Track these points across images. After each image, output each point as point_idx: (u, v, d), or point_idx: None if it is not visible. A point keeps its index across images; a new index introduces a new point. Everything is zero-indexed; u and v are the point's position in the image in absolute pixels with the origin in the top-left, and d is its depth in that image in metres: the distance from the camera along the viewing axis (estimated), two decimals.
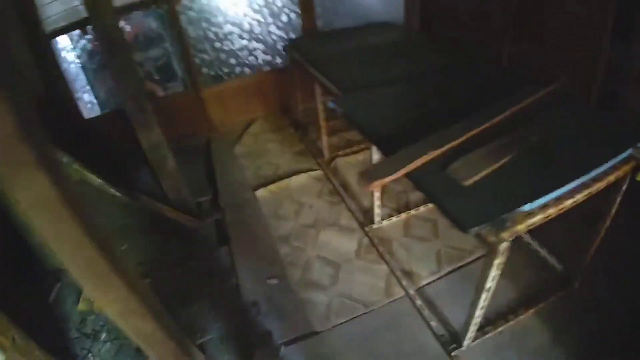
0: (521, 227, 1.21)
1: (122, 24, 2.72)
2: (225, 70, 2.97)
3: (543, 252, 2.17)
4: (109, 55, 1.84)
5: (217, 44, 2.83)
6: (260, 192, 2.76)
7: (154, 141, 2.15)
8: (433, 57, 2.48)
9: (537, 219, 1.23)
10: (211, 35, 2.81)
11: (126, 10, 2.60)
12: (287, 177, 2.86)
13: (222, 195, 2.78)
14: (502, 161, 1.39)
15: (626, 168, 1.39)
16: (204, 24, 2.77)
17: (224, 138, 3.29)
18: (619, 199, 1.58)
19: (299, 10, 3.19)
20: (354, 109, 1.94)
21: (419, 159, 1.42)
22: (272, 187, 2.79)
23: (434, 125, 1.59)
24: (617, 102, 2.18)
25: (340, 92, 2.21)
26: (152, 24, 2.79)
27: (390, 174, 1.39)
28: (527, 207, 1.23)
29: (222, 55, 2.90)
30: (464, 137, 1.52)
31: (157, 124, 2.12)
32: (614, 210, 1.62)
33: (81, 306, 1.91)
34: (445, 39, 2.79)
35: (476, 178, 1.33)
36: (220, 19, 2.81)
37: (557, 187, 1.29)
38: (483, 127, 1.57)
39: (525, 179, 1.35)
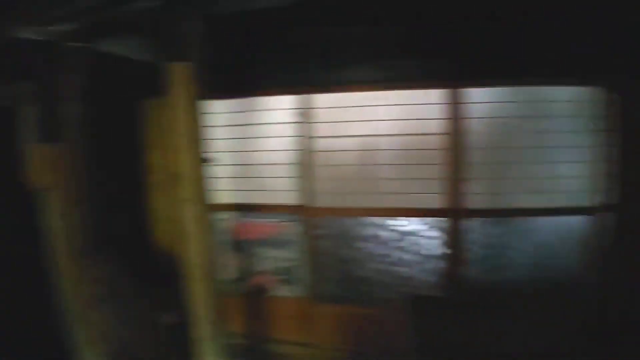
0: None
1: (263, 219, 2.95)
2: (345, 294, 2.95)
3: None
4: None
5: (346, 266, 2.87)
6: None
7: None
8: None
9: None
10: (343, 256, 2.88)
11: (271, 209, 2.86)
12: None
13: None
14: None
15: None
16: (340, 243, 2.86)
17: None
18: None
19: None
20: None
21: None
22: None
23: None
24: None
25: None
26: (291, 228, 2.93)
27: None
28: None
29: (348, 278, 2.92)
30: None
31: None
32: None
33: None
34: None
35: None
36: (354, 244, 2.88)
37: None
38: None
39: None
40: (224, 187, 2.53)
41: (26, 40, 1.95)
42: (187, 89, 1.88)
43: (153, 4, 1.82)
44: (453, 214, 2.69)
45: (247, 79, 2.83)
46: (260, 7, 2.04)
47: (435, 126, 2.66)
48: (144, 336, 2.67)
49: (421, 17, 2.53)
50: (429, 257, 2.80)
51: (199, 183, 1.92)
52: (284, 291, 3.06)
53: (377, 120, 2.76)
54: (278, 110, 2.89)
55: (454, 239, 2.72)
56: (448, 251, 2.75)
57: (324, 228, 2.91)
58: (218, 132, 2.96)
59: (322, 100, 2.80)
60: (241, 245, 3.01)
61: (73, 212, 2.15)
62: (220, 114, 2.97)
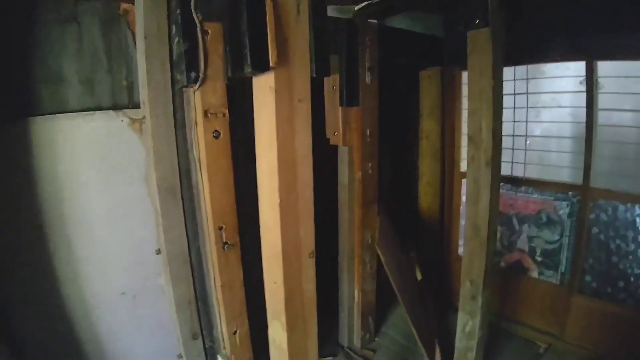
0: None
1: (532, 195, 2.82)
2: (609, 290, 2.61)
3: None
4: None
5: (614, 259, 2.55)
6: None
7: None
8: None
9: None
10: (612, 246, 2.55)
11: (541, 185, 2.72)
12: None
13: None
14: None
15: None
16: (611, 232, 2.54)
17: (563, 354, 2.71)
18: None
19: None
20: None
21: None
22: None
23: None
24: None
25: None
26: (559, 208, 2.75)
27: None
28: None
29: (614, 273, 2.59)
30: None
31: None
32: None
33: None
34: None
35: None
36: (629, 234, 2.51)
37: None
38: None
39: None
40: None
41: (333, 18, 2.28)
42: (487, 55, 1.90)
43: None
44: None
45: (528, 45, 2.72)
46: None
47: None
48: (408, 276, 2.88)
49: None
50: None
51: (496, 148, 1.93)
52: (540, 274, 2.85)
53: None
54: (559, 79, 2.67)
55: None
56: None
57: (598, 212, 2.57)
58: None
59: (609, 68, 2.45)
60: (503, 219, 2.92)
61: (366, 167, 2.45)
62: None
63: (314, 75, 1.24)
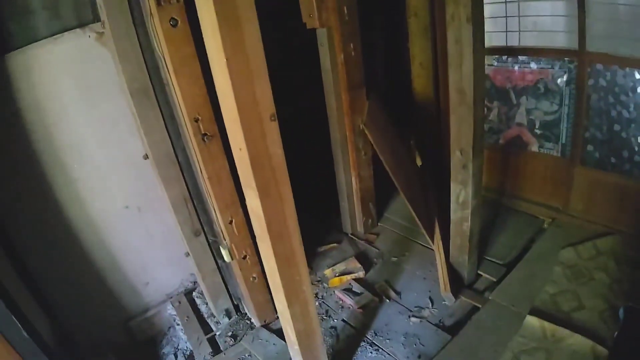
0: None
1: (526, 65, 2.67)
2: (613, 160, 2.52)
3: None
4: None
5: (616, 127, 2.44)
6: (530, 320, 2.05)
7: None
8: None
9: None
10: (613, 114, 2.44)
11: (537, 52, 2.56)
12: (572, 330, 1.94)
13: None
14: None
15: None
16: (611, 99, 2.42)
17: (567, 227, 2.67)
18: None
19: None
20: None
21: None
22: (547, 325, 2.00)
23: None
24: None
25: None
26: (557, 76, 2.60)
27: None
28: None
29: (616, 142, 2.48)
30: None
31: None
32: None
33: None
34: None
35: None
36: (630, 101, 2.38)
37: None
38: None
39: None
40: (487, 28, 2.29)
41: None
42: None
43: None
44: None
45: None
46: None
47: None
48: (404, 159, 2.92)
49: None
50: None
51: (476, 1, 1.78)
52: (540, 148, 2.79)
53: None
54: None
55: None
56: None
57: (597, 78, 2.41)
58: None
59: None
60: (500, 93, 2.81)
61: (348, 48, 2.36)
62: None
63: None
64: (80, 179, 2.02)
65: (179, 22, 1.60)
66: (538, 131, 2.78)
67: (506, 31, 2.68)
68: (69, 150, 1.96)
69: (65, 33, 1.84)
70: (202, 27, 1.15)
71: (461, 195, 2.14)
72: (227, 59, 1.10)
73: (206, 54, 1.20)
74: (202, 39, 1.18)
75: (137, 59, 1.76)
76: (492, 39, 2.64)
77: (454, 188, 2.16)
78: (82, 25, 1.87)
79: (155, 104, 1.85)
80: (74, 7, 1.85)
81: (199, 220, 2.14)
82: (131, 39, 1.73)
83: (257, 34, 1.14)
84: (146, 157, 2.02)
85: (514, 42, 2.66)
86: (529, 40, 2.61)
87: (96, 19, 1.86)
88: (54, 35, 1.84)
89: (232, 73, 1.11)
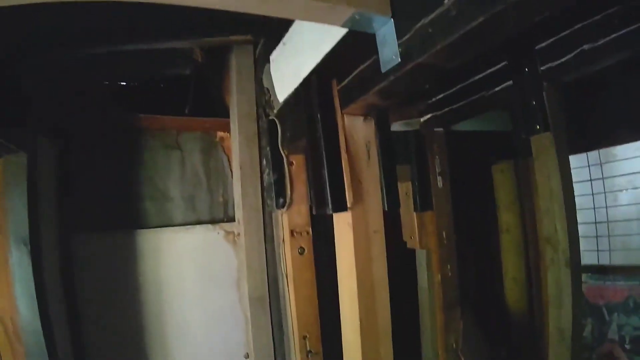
0: None
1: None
2: None
3: None
4: None
5: None
6: None
7: None
8: None
9: None
10: None
11: (626, 270, 2.66)
12: None
13: None
14: None
15: None
16: None
17: None
18: None
19: None
20: None
21: None
22: None
23: None
24: None
25: None
26: None
27: None
28: None
29: None
30: None
31: None
32: None
33: None
34: None
35: None
36: None
37: None
38: None
39: None
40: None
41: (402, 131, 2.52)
42: (552, 159, 1.97)
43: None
44: None
45: (596, 130, 2.73)
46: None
47: None
48: None
49: None
50: None
51: (573, 247, 1.92)
52: None
53: None
54: (632, 160, 2.62)
55: None
56: None
57: None
58: None
59: None
60: (593, 309, 2.74)
61: (445, 269, 2.50)
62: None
63: (386, 209, 1.42)
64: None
65: (306, 250, 1.88)
66: (628, 346, 2.60)
67: (597, 250, 2.75)
68: (174, 330, 2.11)
69: (198, 225, 2.18)
70: (339, 290, 1.36)
71: None
72: (360, 322, 1.27)
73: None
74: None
75: (261, 273, 2.00)
76: (585, 258, 2.70)
77: None
78: (213, 221, 2.22)
79: (268, 312, 2.04)
80: (210, 204, 2.23)
81: None
82: (260, 255, 2.00)
83: (386, 299, 1.32)
84: (247, 356, 2.16)
85: (604, 260, 2.70)
86: (619, 258, 2.65)
87: (227, 218, 2.22)
88: (187, 224, 2.16)
89: (363, 334, 1.27)
